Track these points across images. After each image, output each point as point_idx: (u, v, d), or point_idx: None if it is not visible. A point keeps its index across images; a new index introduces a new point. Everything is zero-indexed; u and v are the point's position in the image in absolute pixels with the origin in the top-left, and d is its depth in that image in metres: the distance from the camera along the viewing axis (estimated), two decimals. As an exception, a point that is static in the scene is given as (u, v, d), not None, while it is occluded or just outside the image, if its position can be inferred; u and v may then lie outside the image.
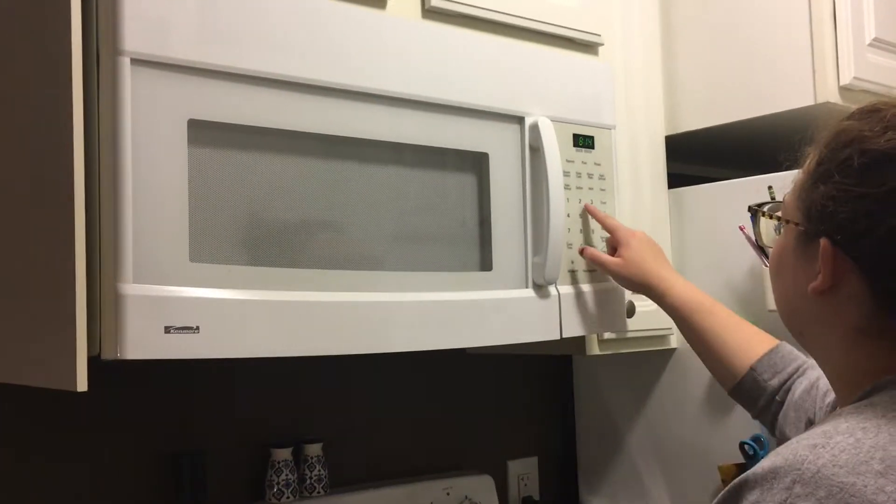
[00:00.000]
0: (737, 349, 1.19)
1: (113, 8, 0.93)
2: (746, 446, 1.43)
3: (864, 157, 0.72)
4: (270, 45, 1.04)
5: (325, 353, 1.06)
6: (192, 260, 0.97)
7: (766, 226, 0.92)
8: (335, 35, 1.10)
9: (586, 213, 1.35)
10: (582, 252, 1.34)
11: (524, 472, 1.85)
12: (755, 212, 0.93)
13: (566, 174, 1.31)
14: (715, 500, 0.69)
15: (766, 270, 1.00)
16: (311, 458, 1.48)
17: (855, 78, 1.49)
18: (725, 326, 1.20)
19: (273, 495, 1.44)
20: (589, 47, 1.46)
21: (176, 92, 0.97)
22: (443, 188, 1.22)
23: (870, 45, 1.54)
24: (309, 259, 1.07)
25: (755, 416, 1.19)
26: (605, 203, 1.38)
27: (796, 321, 0.82)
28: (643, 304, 1.54)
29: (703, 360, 1.25)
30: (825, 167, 0.75)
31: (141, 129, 0.94)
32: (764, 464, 0.67)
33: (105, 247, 0.93)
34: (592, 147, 1.37)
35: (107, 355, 0.93)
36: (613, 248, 1.34)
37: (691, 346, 1.26)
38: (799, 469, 0.64)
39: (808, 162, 0.79)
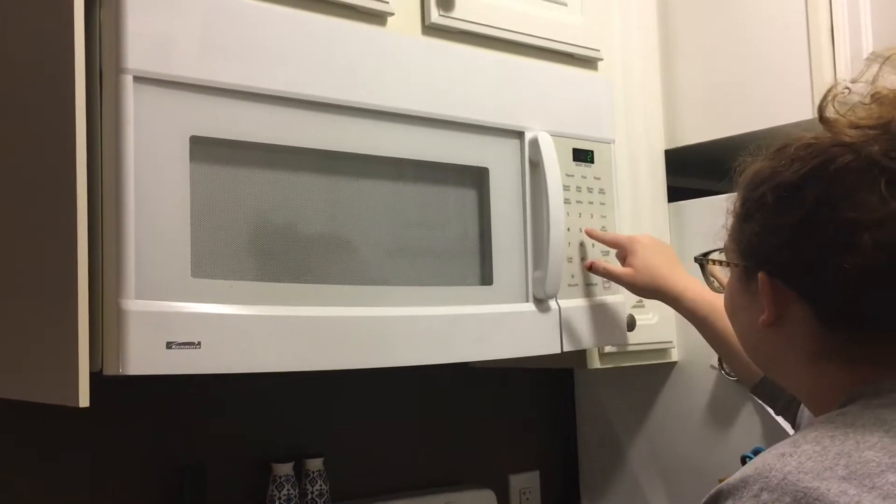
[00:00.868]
0: None
1: (116, 26, 0.94)
2: (748, 460, 1.42)
3: (776, 192, 0.76)
4: (272, 63, 1.05)
5: (326, 368, 1.07)
6: (193, 275, 0.98)
7: (721, 270, 0.96)
8: (336, 52, 1.11)
9: (587, 227, 1.35)
10: (590, 267, 1.34)
11: (526, 486, 1.85)
12: (702, 262, 0.97)
13: (566, 188, 1.32)
14: None
15: None
16: (313, 472, 1.48)
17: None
18: None
19: (274, 510, 1.44)
20: (588, 62, 1.47)
21: (178, 109, 0.98)
22: (443, 203, 1.22)
23: (866, 59, 1.55)
24: (310, 274, 1.08)
25: (778, 413, 1.20)
26: (605, 217, 1.39)
27: (759, 357, 0.85)
28: (644, 317, 1.54)
29: (725, 361, 1.26)
30: (746, 207, 0.80)
31: (143, 145, 0.95)
32: (737, 474, 0.69)
33: (107, 263, 0.94)
34: (592, 161, 1.38)
35: (109, 371, 0.93)
36: (623, 258, 1.34)
37: (712, 346, 1.27)
38: (766, 477, 0.66)
39: (734, 205, 0.82)
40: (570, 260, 1.33)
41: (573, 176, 1.35)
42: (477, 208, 1.26)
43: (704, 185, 1.87)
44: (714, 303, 1.23)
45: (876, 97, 0.76)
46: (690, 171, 1.83)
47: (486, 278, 1.25)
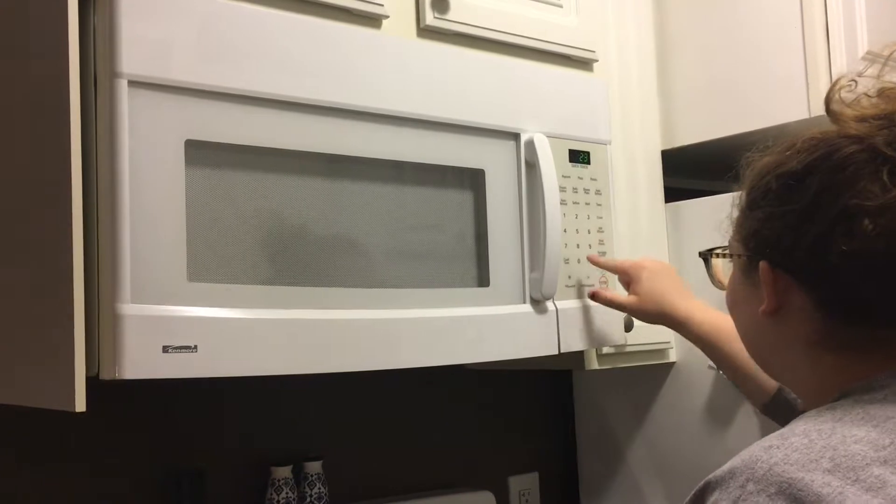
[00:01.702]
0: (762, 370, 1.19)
1: (110, 30, 0.94)
2: (746, 460, 1.42)
3: (780, 180, 0.77)
4: (267, 66, 1.05)
5: (324, 371, 1.07)
6: (190, 279, 0.98)
7: (723, 267, 0.97)
8: (331, 55, 1.11)
9: (583, 229, 1.36)
10: (593, 296, 1.34)
11: (525, 487, 1.85)
12: (706, 257, 0.98)
13: (562, 189, 1.32)
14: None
15: None
16: (312, 475, 1.48)
17: (849, 91, 1.50)
18: None
19: (273, 514, 1.44)
20: (584, 63, 1.47)
21: (173, 113, 0.98)
22: (440, 205, 1.22)
23: (863, 58, 1.55)
24: (307, 277, 1.08)
25: None
26: (601, 218, 1.39)
27: (759, 351, 0.85)
28: (641, 318, 1.54)
29: (734, 383, 1.25)
30: (751, 197, 0.81)
31: (138, 150, 0.95)
32: (724, 466, 0.70)
33: (103, 267, 0.94)
34: (588, 162, 1.38)
35: (105, 375, 0.93)
36: (626, 284, 1.34)
37: (720, 370, 1.26)
38: (752, 468, 0.67)
39: (739, 199, 0.84)
40: (566, 261, 1.33)
41: (569, 177, 1.35)
42: (473, 210, 1.26)
43: (701, 185, 1.87)
44: (721, 325, 1.23)
45: (882, 92, 0.78)
46: (687, 172, 1.83)
47: (482, 280, 1.25)
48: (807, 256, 0.75)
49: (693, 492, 0.71)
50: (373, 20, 1.22)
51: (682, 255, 1.64)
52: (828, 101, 0.79)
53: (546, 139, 1.30)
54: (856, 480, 0.64)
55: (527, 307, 1.28)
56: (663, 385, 1.67)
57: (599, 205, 1.39)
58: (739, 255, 0.83)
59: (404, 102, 1.17)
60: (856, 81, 0.80)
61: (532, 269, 1.29)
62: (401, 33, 1.25)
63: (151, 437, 1.40)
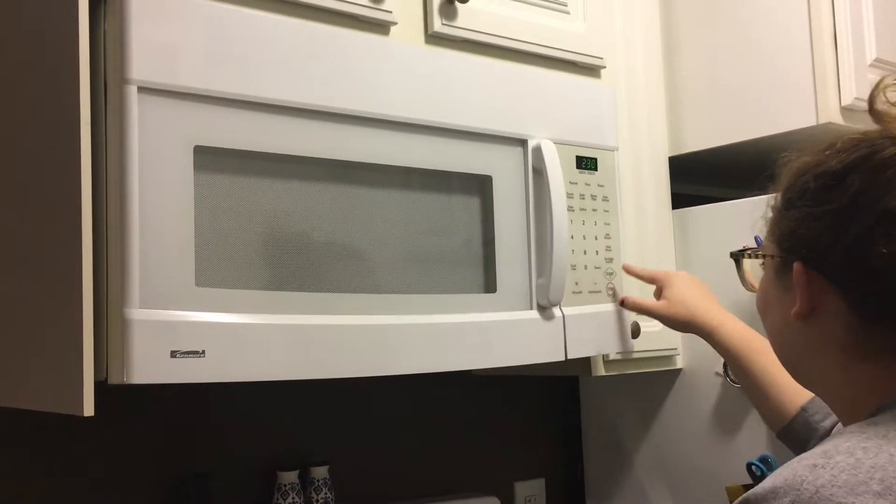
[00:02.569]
0: (787, 389, 1.16)
1: (120, 37, 0.95)
2: (754, 467, 1.42)
3: (819, 180, 0.76)
4: (275, 72, 1.05)
5: (331, 377, 1.07)
6: (198, 284, 0.98)
7: (752, 269, 0.95)
8: (340, 62, 1.11)
9: (590, 235, 1.36)
10: (622, 303, 1.35)
11: (531, 493, 1.84)
12: (738, 257, 0.96)
13: (569, 196, 1.32)
14: None
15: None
16: (318, 480, 1.48)
17: (856, 98, 1.50)
18: (775, 365, 1.16)
19: (279, 519, 1.44)
20: (591, 70, 1.48)
21: (182, 119, 0.98)
22: (447, 211, 1.22)
23: (871, 65, 1.55)
24: (314, 283, 1.08)
25: None
26: (608, 224, 1.39)
27: (789, 356, 0.83)
28: (648, 324, 1.54)
29: (752, 401, 1.23)
30: (787, 197, 0.79)
31: (147, 156, 0.95)
32: (765, 484, 0.67)
33: (112, 272, 0.94)
34: (595, 169, 1.38)
35: (113, 380, 0.93)
36: (659, 291, 1.34)
37: (741, 384, 1.25)
38: (798, 489, 0.64)
39: (774, 200, 0.82)
40: (573, 267, 1.33)
41: (577, 183, 1.35)
42: (480, 216, 1.26)
43: (708, 191, 1.87)
44: (750, 338, 1.21)
45: None
46: (694, 178, 1.83)
47: (489, 286, 1.25)
48: (844, 258, 0.73)
49: None
50: (381, 27, 1.22)
51: (690, 261, 1.64)
52: (871, 100, 0.77)
53: (553, 145, 1.30)
54: None
55: (534, 313, 1.28)
56: (670, 391, 1.67)
57: (607, 211, 1.39)
58: (773, 256, 0.81)
59: (412, 109, 1.17)
60: None
61: (539, 276, 1.29)
62: (409, 40, 1.26)
63: (158, 442, 1.40)
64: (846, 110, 1.50)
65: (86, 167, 0.93)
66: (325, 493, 1.48)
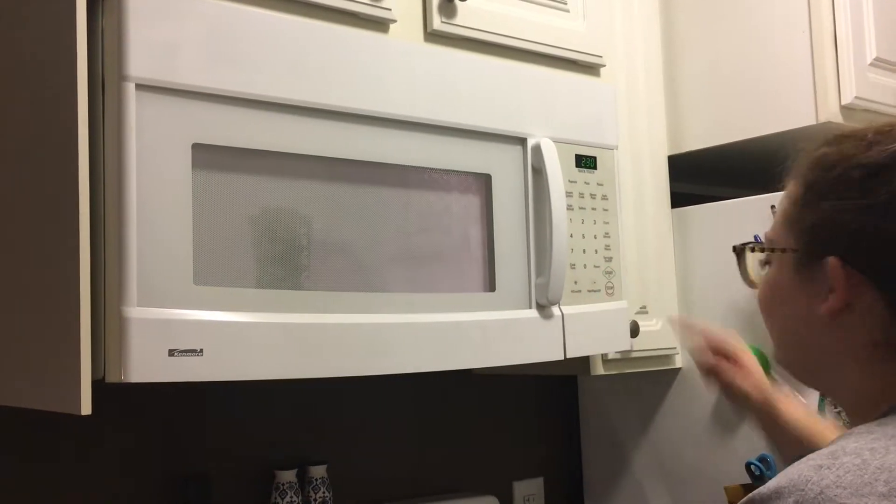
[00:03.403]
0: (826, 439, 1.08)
1: (118, 34, 0.95)
2: (753, 466, 1.42)
3: (859, 171, 0.73)
4: (274, 70, 1.05)
5: (330, 375, 1.07)
6: (196, 283, 0.98)
7: (753, 263, 0.91)
8: (339, 59, 1.11)
9: (589, 234, 1.35)
10: (710, 370, 1.19)
11: (530, 492, 1.84)
12: (740, 251, 0.92)
13: (569, 195, 1.32)
14: None
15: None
16: (316, 479, 1.48)
17: (856, 98, 1.50)
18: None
19: (277, 517, 1.43)
20: (591, 69, 1.47)
21: (180, 116, 0.98)
22: (446, 210, 1.22)
23: (871, 64, 1.55)
24: (313, 281, 1.08)
25: None
26: (608, 223, 1.39)
27: (801, 354, 0.80)
28: (647, 323, 1.54)
29: (766, 436, 1.17)
30: (815, 190, 0.76)
31: (145, 153, 0.95)
32: (770, 484, 0.66)
33: (110, 270, 0.94)
34: (595, 167, 1.38)
35: (111, 378, 0.93)
36: (719, 354, 1.19)
37: (773, 444, 1.17)
38: (802, 490, 0.63)
39: (789, 191, 0.79)
40: (572, 266, 1.33)
41: (576, 182, 1.35)
42: (480, 215, 1.25)
43: (708, 190, 1.87)
44: (814, 422, 1.12)
45: None
46: (694, 177, 1.83)
47: (489, 285, 1.25)
48: (886, 254, 0.71)
49: None
50: (380, 24, 1.22)
51: (689, 260, 1.64)
52: None
53: (553, 144, 1.30)
54: None
55: (533, 312, 1.28)
56: (669, 391, 1.66)
57: (606, 210, 1.39)
58: (794, 250, 0.78)
59: (411, 107, 1.17)
60: None
61: (538, 275, 1.28)
62: (408, 38, 1.25)
63: (156, 441, 1.40)
64: (846, 109, 1.50)
65: (83, 165, 0.93)
66: (324, 493, 1.47)
